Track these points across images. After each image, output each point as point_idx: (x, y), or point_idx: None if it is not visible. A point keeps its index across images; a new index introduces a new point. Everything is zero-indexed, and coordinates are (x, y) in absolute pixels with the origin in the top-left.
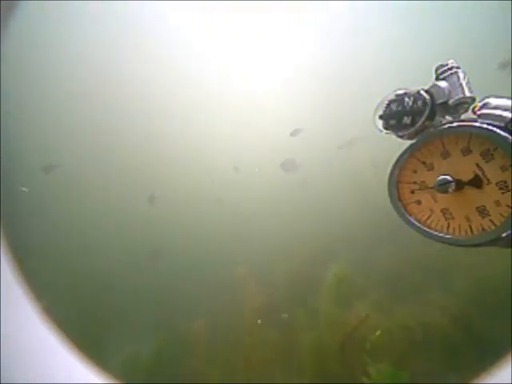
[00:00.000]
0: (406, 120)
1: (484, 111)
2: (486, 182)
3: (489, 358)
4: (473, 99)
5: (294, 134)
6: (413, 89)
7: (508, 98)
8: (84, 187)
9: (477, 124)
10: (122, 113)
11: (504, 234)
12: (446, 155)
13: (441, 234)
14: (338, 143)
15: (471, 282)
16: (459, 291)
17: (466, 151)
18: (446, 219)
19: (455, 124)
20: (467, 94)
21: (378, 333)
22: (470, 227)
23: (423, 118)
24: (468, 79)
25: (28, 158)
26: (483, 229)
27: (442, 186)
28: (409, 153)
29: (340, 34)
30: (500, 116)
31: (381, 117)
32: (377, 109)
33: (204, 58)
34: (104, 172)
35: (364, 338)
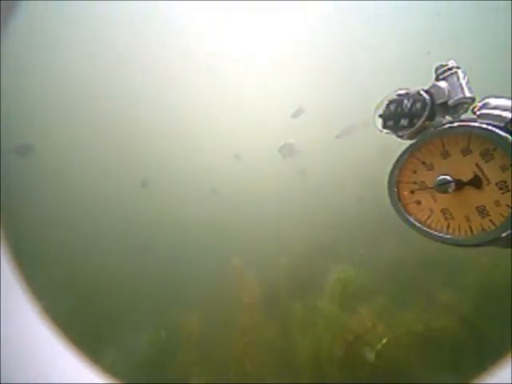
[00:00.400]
0: (403, 122)
1: (484, 111)
2: (485, 182)
3: (492, 358)
4: (473, 99)
5: (295, 115)
6: (413, 89)
7: (508, 98)
8: (76, 173)
9: (476, 124)
10: (120, 98)
11: (504, 234)
12: (445, 155)
13: (441, 234)
14: (340, 130)
15: (479, 278)
16: (468, 290)
17: (466, 151)
18: (446, 219)
19: (455, 124)
20: (467, 94)
21: (384, 341)
22: (470, 227)
23: (422, 119)
24: (468, 79)
25: (11, 143)
26: (483, 229)
27: (442, 186)
28: (409, 153)
29: (346, 22)
30: (500, 116)
31: (380, 116)
32: (377, 108)
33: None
34: (96, 158)
35: (369, 346)
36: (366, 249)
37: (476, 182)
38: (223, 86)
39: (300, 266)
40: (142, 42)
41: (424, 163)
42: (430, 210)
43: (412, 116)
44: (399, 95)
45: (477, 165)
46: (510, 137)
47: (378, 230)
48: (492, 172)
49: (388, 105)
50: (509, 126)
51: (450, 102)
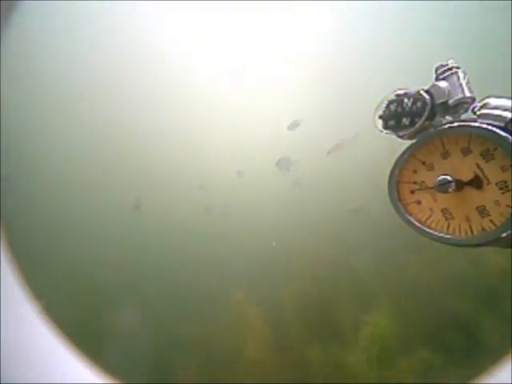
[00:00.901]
0: (405, 121)
1: (484, 111)
2: (485, 182)
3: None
4: (473, 99)
5: (291, 127)
6: (413, 89)
7: (508, 98)
8: (75, 187)
9: (477, 124)
10: (114, 110)
11: (504, 235)
12: (445, 155)
13: (441, 234)
14: (340, 139)
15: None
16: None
17: (466, 151)
18: (446, 219)
19: (455, 124)
20: (467, 94)
21: None
22: (470, 227)
23: (423, 119)
24: (468, 79)
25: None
26: (483, 229)
27: (442, 186)
28: (409, 153)
29: (340, 31)
30: (500, 116)
31: (380, 117)
32: (377, 108)
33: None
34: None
35: None
36: (383, 267)
37: (476, 182)
38: (220, 102)
39: (314, 294)
40: (132, 59)
41: (424, 163)
42: (431, 209)
43: (413, 115)
44: (398, 95)
45: (477, 165)
46: (510, 137)
47: (401, 244)
48: (492, 172)
49: (388, 105)
50: (509, 126)
51: (450, 102)
